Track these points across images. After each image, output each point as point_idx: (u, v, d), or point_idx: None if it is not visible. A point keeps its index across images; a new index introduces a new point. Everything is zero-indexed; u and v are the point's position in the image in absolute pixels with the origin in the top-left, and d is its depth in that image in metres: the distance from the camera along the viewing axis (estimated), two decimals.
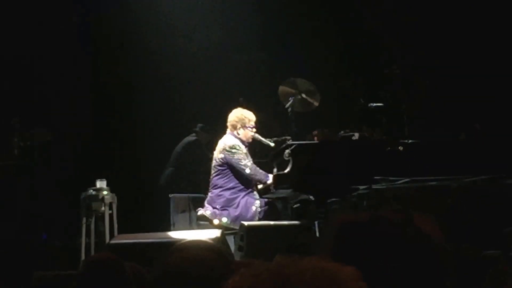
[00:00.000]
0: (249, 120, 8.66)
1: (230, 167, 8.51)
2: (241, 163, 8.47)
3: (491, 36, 10.62)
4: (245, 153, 8.57)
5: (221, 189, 8.52)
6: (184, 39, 11.99)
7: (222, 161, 8.54)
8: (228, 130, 8.69)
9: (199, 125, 11.39)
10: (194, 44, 11.97)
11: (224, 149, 8.54)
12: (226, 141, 8.61)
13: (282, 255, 1.39)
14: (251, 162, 8.57)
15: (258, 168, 8.55)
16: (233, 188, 8.49)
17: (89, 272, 3.56)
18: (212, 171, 8.65)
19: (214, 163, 8.64)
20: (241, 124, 8.63)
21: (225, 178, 8.52)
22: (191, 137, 11.38)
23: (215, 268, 2.35)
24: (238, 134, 8.62)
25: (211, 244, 2.71)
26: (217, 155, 8.61)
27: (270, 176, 8.46)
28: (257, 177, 8.52)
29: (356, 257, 1.71)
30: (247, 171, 8.46)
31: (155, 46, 11.86)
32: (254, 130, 8.69)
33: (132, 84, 11.84)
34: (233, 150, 8.50)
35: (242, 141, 8.61)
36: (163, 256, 2.53)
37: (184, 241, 2.76)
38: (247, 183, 8.54)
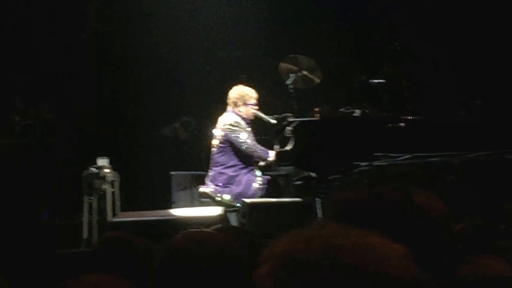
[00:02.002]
0: (250, 97, 8.64)
1: (231, 144, 8.49)
2: (240, 140, 8.44)
3: (493, 12, 10.57)
4: (246, 130, 8.54)
5: (222, 166, 8.51)
6: (186, 15, 11.94)
7: (223, 138, 8.52)
8: (229, 107, 8.67)
9: (184, 118, 11.39)
10: (195, 21, 11.92)
11: (224, 126, 8.52)
12: (226, 118, 8.59)
13: (333, 223, 1.40)
14: (252, 139, 8.55)
15: (258, 145, 8.53)
16: (234, 165, 8.49)
17: (103, 250, 3.58)
18: (213, 149, 8.64)
19: (214, 140, 8.63)
20: (242, 101, 8.60)
21: (226, 155, 8.50)
22: (169, 131, 11.49)
23: (225, 248, 2.35)
24: (239, 111, 8.59)
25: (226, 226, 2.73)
26: (218, 132, 8.59)
27: (271, 152, 8.45)
28: (257, 154, 8.49)
29: None
30: (246, 148, 8.43)
31: (157, 25, 11.81)
32: (256, 107, 8.67)
33: (135, 63, 11.81)
34: (233, 127, 8.47)
35: (243, 118, 8.58)
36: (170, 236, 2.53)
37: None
38: (248, 160, 8.53)
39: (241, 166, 8.49)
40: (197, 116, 11.64)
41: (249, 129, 8.64)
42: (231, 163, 8.49)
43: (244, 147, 8.43)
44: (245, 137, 8.45)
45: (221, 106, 8.97)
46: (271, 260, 1.32)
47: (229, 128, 8.48)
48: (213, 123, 8.89)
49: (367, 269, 1.25)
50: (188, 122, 11.43)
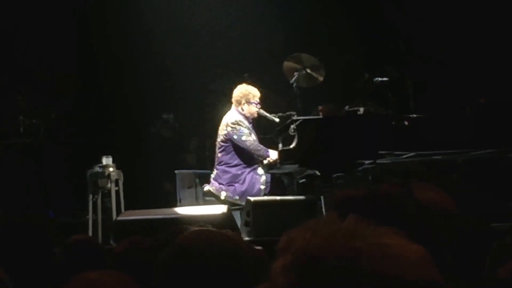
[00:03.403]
0: (254, 96, 8.64)
1: (232, 143, 8.49)
2: (242, 139, 8.43)
3: (497, 9, 10.57)
4: (248, 129, 8.54)
5: (226, 165, 8.52)
6: (187, 14, 11.94)
7: (226, 137, 8.53)
8: (233, 106, 8.68)
9: (163, 116, 11.43)
10: (198, 19, 11.93)
11: (227, 125, 8.53)
12: (229, 117, 8.60)
13: (355, 216, 1.39)
14: (254, 138, 8.55)
15: (259, 144, 8.51)
16: (238, 164, 8.49)
17: (68, 252, 3.65)
18: (217, 147, 8.64)
19: (218, 139, 8.64)
20: (245, 99, 8.61)
21: (230, 154, 8.51)
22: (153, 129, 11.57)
23: (227, 250, 2.35)
24: (243, 109, 8.60)
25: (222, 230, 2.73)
26: (221, 131, 8.60)
27: (271, 151, 8.44)
28: (258, 153, 8.47)
29: None
30: (247, 147, 8.42)
31: (155, 18, 11.80)
32: (259, 106, 8.68)
33: (137, 60, 11.82)
34: (235, 126, 8.47)
35: (246, 117, 8.59)
36: (175, 236, 2.54)
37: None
38: (251, 159, 8.53)
39: (245, 164, 8.50)
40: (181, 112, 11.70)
41: (252, 127, 8.65)
42: (235, 161, 8.50)
43: (244, 146, 8.43)
44: (246, 136, 8.45)
45: (226, 107, 8.98)
46: (288, 254, 1.31)
47: (231, 127, 8.49)
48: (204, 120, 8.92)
49: (385, 274, 1.25)
50: (167, 119, 11.46)
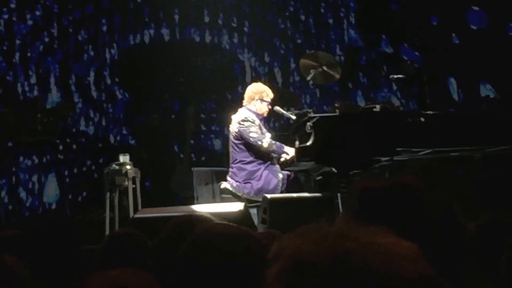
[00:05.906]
0: (267, 95, 8.61)
1: (245, 141, 8.46)
2: (254, 136, 8.39)
3: None
4: (259, 126, 8.48)
5: (241, 162, 8.49)
6: (206, 14, 11.96)
7: (237, 135, 8.50)
8: (245, 102, 8.64)
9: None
10: (216, 18, 11.95)
11: (238, 122, 8.51)
12: (240, 114, 8.56)
13: (343, 220, 1.39)
14: (266, 135, 8.51)
15: (272, 141, 8.48)
16: (253, 161, 8.46)
17: (113, 246, 3.63)
18: (230, 146, 8.62)
19: (230, 136, 8.62)
20: (259, 96, 8.57)
21: (244, 151, 8.47)
22: None
23: (241, 242, 2.36)
24: (254, 105, 8.55)
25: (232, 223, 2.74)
26: (232, 129, 8.58)
27: (288, 148, 8.43)
28: (271, 149, 8.45)
29: (376, 223, 1.72)
30: (260, 143, 8.39)
31: (173, 15, 11.82)
32: (270, 106, 8.64)
33: (154, 56, 11.85)
34: (246, 123, 8.43)
35: (257, 114, 8.55)
36: (187, 230, 2.54)
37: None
38: (266, 155, 8.49)
39: (260, 161, 8.47)
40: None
41: (263, 124, 8.60)
42: (250, 158, 8.47)
43: (257, 143, 8.39)
44: (257, 133, 8.41)
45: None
46: (280, 261, 1.32)
47: (241, 124, 8.46)
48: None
49: (377, 272, 1.25)
50: (189, 111, 11.61)
